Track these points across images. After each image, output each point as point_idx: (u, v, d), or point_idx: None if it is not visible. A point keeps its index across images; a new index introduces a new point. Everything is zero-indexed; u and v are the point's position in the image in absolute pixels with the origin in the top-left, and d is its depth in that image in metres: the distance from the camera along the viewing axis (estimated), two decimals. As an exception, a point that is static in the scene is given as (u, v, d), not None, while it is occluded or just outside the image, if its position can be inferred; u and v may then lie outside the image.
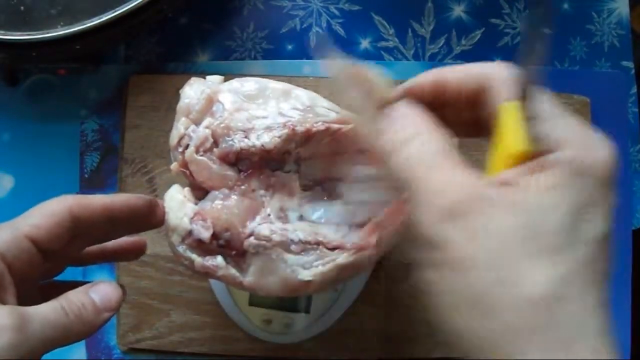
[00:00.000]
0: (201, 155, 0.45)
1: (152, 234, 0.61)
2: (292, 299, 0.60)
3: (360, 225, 0.46)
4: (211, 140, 0.45)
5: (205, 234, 0.43)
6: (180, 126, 0.46)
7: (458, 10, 0.67)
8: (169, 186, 0.46)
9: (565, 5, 0.67)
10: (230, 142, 0.44)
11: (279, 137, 0.44)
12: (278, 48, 0.66)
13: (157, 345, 0.61)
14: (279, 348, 0.61)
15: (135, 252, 0.49)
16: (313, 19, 0.66)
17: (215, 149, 0.45)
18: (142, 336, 0.61)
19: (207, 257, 0.44)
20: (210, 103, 0.46)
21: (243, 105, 0.46)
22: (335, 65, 0.39)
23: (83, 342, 0.62)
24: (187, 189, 0.46)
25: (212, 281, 0.60)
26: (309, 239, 0.43)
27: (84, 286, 0.38)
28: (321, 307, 0.60)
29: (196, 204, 0.45)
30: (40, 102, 0.64)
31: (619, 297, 0.65)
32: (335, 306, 0.60)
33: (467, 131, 0.40)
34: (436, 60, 0.66)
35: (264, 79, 0.48)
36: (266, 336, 0.61)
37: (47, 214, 0.39)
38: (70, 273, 0.62)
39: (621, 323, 0.65)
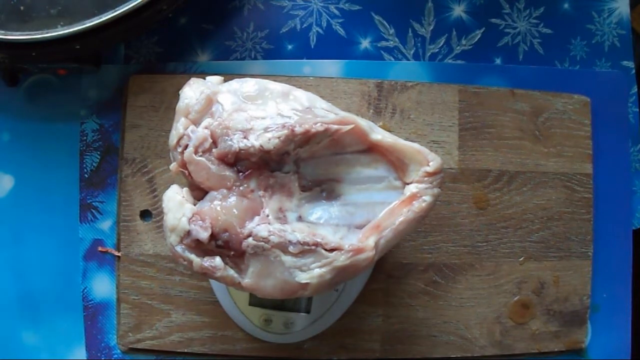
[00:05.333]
0: (200, 156, 0.45)
1: (152, 234, 0.61)
2: (292, 299, 0.60)
3: (359, 227, 0.46)
4: (210, 140, 0.45)
5: (204, 235, 0.43)
6: (179, 126, 0.46)
7: (458, 10, 0.67)
8: (168, 186, 0.46)
9: (566, 5, 0.67)
10: (229, 143, 0.44)
11: (278, 137, 0.44)
12: (278, 48, 0.66)
13: (157, 345, 0.61)
14: (279, 348, 0.62)
15: None
16: (313, 18, 0.66)
17: (214, 150, 0.45)
18: (142, 336, 0.61)
19: (206, 258, 0.44)
20: (209, 103, 0.46)
21: (242, 105, 0.46)
22: None
23: (83, 342, 0.63)
24: (185, 189, 0.46)
25: (212, 281, 0.60)
26: (307, 240, 0.43)
27: None
28: (321, 307, 0.60)
29: (195, 204, 0.45)
30: (40, 102, 0.64)
31: (619, 297, 0.65)
32: (335, 306, 0.60)
33: None
34: (436, 60, 0.66)
35: (264, 80, 0.48)
36: (266, 336, 0.61)
37: None
38: (70, 273, 0.63)
39: (621, 323, 0.65)
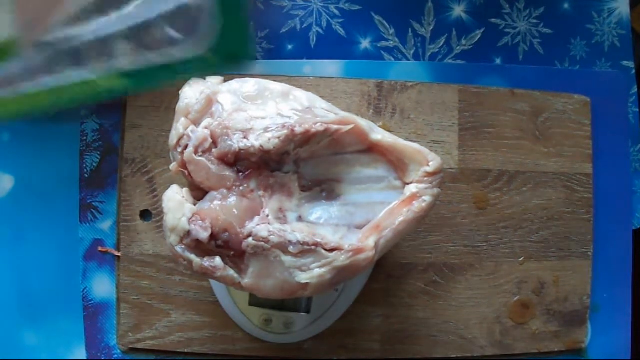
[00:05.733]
0: (200, 156, 0.45)
1: (153, 234, 0.61)
2: (292, 299, 0.60)
3: (359, 227, 0.46)
4: (210, 140, 0.45)
5: (204, 235, 0.43)
6: (179, 126, 0.46)
7: (458, 10, 0.67)
8: (168, 186, 0.46)
9: (566, 5, 0.67)
10: (229, 143, 0.44)
11: (278, 137, 0.44)
12: (278, 48, 0.66)
13: (157, 345, 0.61)
14: (279, 348, 0.62)
15: None
16: (313, 18, 0.66)
17: (214, 150, 0.45)
18: (142, 336, 0.61)
19: (206, 258, 0.44)
20: (209, 103, 0.46)
21: (242, 106, 0.46)
22: None
23: (83, 342, 0.63)
24: (185, 189, 0.46)
25: (212, 281, 0.60)
26: (307, 240, 0.43)
27: None
28: (321, 307, 0.60)
29: (195, 204, 0.45)
30: (41, 102, 0.64)
31: (619, 297, 0.65)
32: (335, 306, 0.60)
33: None
34: (436, 60, 0.66)
35: (264, 80, 0.48)
36: (266, 336, 0.61)
37: None
38: (70, 273, 0.63)
39: (621, 323, 0.65)
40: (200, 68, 0.28)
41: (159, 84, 0.34)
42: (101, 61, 0.29)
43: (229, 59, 0.27)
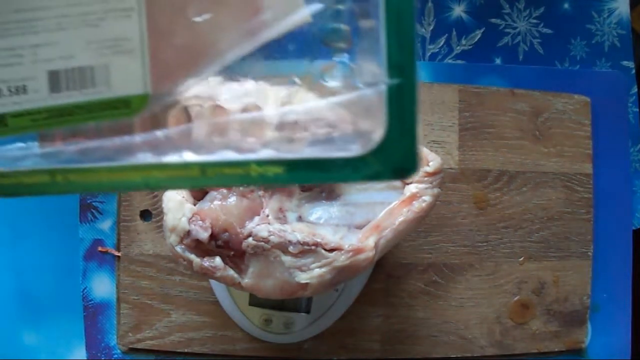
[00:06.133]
0: (200, 156, 0.45)
1: (153, 234, 0.61)
2: (292, 299, 0.60)
3: (359, 227, 0.46)
4: (210, 140, 0.45)
5: (204, 235, 0.43)
6: (179, 126, 0.46)
7: (458, 10, 0.67)
8: (168, 186, 0.46)
9: (566, 5, 0.67)
10: (229, 143, 0.44)
11: (278, 137, 0.44)
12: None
13: (157, 345, 0.61)
14: (279, 348, 0.61)
15: None
16: (313, 19, 0.66)
17: (214, 150, 0.45)
18: (142, 336, 0.61)
19: (206, 258, 0.44)
20: (209, 103, 0.46)
21: (242, 105, 0.46)
22: None
23: (83, 341, 0.62)
24: (185, 189, 0.46)
25: (212, 281, 0.60)
26: (307, 240, 0.43)
27: None
28: (321, 307, 0.60)
29: (195, 204, 0.45)
30: (41, 102, 0.64)
31: (619, 297, 0.65)
32: (335, 306, 0.60)
33: None
34: (436, 60, 0.66)
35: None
36: (266, 336, 0.61)
37: None
38: (70, 273, 0.63)
39: (621, 323, 0.65)
40: (360, 173, 0.25)
41: (312, 181, 0.32)
42: (257, 144, 0.28)
43: (392, 168, 0.25)
